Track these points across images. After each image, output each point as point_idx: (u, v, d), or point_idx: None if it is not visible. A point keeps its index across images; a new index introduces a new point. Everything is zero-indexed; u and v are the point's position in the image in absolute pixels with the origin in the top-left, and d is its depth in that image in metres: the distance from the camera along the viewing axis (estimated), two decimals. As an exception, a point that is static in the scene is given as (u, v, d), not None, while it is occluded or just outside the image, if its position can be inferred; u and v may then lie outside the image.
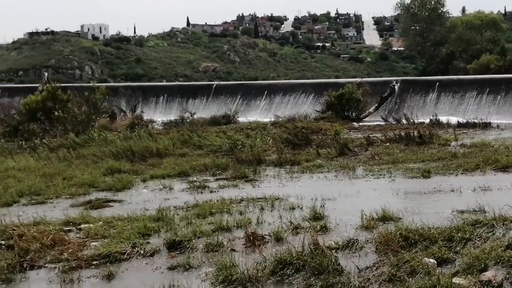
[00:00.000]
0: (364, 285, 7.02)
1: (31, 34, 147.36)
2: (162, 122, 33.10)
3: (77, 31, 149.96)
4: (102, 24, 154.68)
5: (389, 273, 7.20)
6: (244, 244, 8.83)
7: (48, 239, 9.11)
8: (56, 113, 25.63)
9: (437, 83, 34.47)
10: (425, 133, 20.23)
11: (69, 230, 10.02)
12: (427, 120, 28.16)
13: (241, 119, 33.72)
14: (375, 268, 7.52)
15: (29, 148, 21.50)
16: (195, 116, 33.81)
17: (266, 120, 32.11)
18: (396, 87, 34.98)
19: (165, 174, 15.60)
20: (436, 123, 27.08)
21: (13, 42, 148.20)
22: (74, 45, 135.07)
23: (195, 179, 14.90)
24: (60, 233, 9.56)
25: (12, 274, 8.14)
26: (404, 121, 28.59)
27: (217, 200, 11.82)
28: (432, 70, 78.52)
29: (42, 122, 26.33)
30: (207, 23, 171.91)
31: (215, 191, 13.27)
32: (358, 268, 7.51)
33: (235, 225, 9.78)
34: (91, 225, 10.18)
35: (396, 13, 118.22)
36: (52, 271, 8.28)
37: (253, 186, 13.83)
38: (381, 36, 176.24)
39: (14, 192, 13.44)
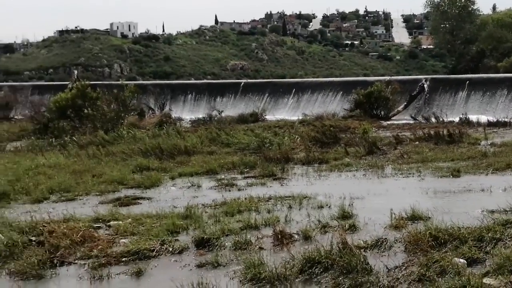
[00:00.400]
0: (393, 285, 6.99)
1: (61, 32, 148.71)
2: (190, 120, 33.15)
3: (107, 29, 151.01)
4: (131, 22, 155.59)
5: (418, 273, 7.17)
6: (272, 242, 8.84)
7: (78, 236, 9.21)
8: (86, 111, 25.81)
9: (467, 82, 34.05)
10: (454, 132, 20.03)
11: (99, 227, 10.10)
12: (457, 119, 27.90)
13: (269, 117, 33.68)
14: (404, 267, 7.48)
15: (59, 145, 21.68)
16: (223, 114, 33.80)
17: (294, 118, 32.02)
18: (425, 85, 34.64)
19: (193, 171, 15.64)
20: (466, 122, 26.81)
21: (44, 40, 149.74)
22: (103, 43, 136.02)
23: (223, 177, 14.92)
24: (90, 229, 9.66)
25: (43, 270, 8.24)
26: (433, 119, 28.35)
27: (245, 198, 11.84)
28: (462, 69, 77.87)
29: (72, 119, 26.56)
30: (235, 21, 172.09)
31: (243, 189, 13.29)
32: (387, 268, 7.48)
33: (263, 223, 9.80)
34: (120, 222, 10.25)
35: (426, 10, 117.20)
36: (82, 268, 8.36)
37: (281, 184, 13.82)
38: (410, 34, 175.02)
39: (45, 189, 13.57)
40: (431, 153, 17.31)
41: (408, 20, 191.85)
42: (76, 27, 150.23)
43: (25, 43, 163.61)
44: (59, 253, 8.72)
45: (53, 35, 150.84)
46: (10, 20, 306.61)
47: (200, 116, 34.38)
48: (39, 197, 13.03)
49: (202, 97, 44.12)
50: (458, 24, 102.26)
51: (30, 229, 9.71)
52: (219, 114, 33.69)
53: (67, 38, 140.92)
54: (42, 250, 8.80)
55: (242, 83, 46.06)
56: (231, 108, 39.57)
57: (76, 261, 8.58)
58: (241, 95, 42.48)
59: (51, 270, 8.32)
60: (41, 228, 9.62)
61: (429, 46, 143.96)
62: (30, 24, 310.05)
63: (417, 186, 12.90)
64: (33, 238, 9.31)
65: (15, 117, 38.98)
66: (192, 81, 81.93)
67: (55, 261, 8.53)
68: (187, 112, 40.41)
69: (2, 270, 8.37)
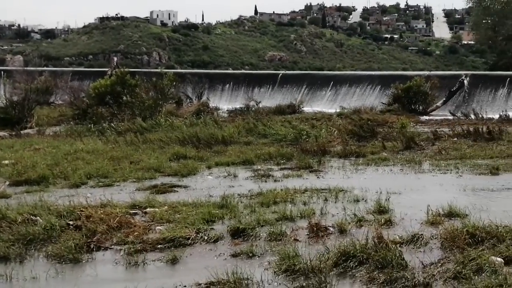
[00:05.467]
0: (428, 281, 6.94)
1: (101, 19, 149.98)
2: (227, 110, 33.20)
3: (146, 17, 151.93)
4: (171, 10, 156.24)
5: (454, 270, 7.10)
6: (308, 234, 8.84)
7: (115, 221, 9.29)
8: (124, 98, 26.02)
9: (508, 79, 33.62)
10: (494, 129, 19.75)
11: (135, 213, 10.18)
12: (497, 116, 27.53)
13: (306, 109, 33.59)
14: (440, 264, 7.42)
15: (97, 131, 21.88)
16: (260, 105, 33.83)
17: (331, 111, 31.92)
18: (465, 81, 34.26)
19: (230, 161, 15.67)
20: (506, 119, 26.41)
21: (84, 27, 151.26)
22: (143, 31, 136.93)
23: (259, 167, 14.89)
24: (126, 216, 9.74)
25: (79, 254, 8.33)
26: (472, 116, 27.99)
27: (281, 190, 11.80)
28: (503, 65, 76.59)
29: (111, 106, 26.78)
30: (275, 12, 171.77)
31: (279, 181, 13.27)
32: (422, 264, 7.43)
33: (299, 215, 9.78)
34: (157, 209, 10.32)
35: (468, 6, 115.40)
36: (118, 253, 8.45)
37: (318, 177, 13.78)
38: (451, 29, 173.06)
39: (83, 174, 13.71)
40: (470, 150, 17.12)
41: (449, 15, 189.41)
42: (116, 14, 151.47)
43: (66, 29, 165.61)
44: (95, 238, 8.83)
45: (94, 22, 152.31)
46: (52, 6, 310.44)
47: (237, 106, 34.44)
48: (77, 182, 13.17)
49: (239, 87, 44.17)
50: (500, 20, 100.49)
51: (68, 213, 9.81)
52: (256, 104, 33.71)
53: (107, 25, 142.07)
54: (79, 234, 8.91)
55: (280, 74, 46.03)
56: (269, 99, 39.57)
57: (112, 247, 8.67)
58: (279, 86, 42.45)
59: (88, 254, 8.42)
60: (78, 212, 9.72)
61: (470, 42, 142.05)
62: (71, 11, 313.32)
63: (455, 182, 12.76)
64: (71, 222, 9.42)
65: (55, 102, 39.39)
66: (230, 71, 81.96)
67: (91, 246, 8.63)
68: (224, 102, 40.52)
69: (40, 253, 8.49)
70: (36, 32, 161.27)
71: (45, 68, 58.58)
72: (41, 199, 10.92)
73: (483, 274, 6.97)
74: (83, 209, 9.82)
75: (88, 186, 13.01)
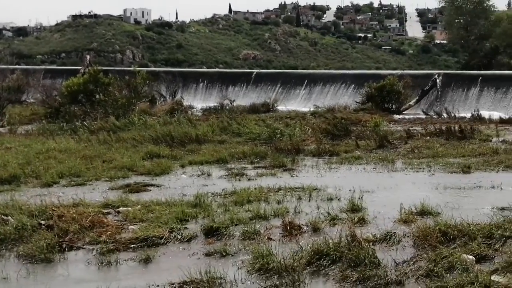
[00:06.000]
0: (401, 279, 6.98)
1: (74, 17, 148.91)
2: (201, 109, 33.07)
3: (120, 15, 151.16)
4: (144, 8, 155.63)
5: (426, 268, 7.16)
6: (281, 233, 8.85)
7: (87, 221, 9.22)
8: (97, 96, 25.85)
9: (480, 78, 33.89)
10: (466, 128, 19.93)
11: (108, 213, 10.11)
12: (469, 115, 27.73)
13: (280, 107, 33.61)
14: (412, 262, 7.48)
15: (70, 130, 21.68)
16: (234, 104, 33.80)
17: (306, 109, 31.95)
18: (438, 80, 34.49)
19: (204, 160, 15.62)
20: (478, 118, 26.63)
21: (57, 25, 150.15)
22: (116, 29, 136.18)
23: (233, 166, 14.90)
24: (99, 215, 9.67)
25: (51, 254, 8.25)
26: (445, 115, 28.20)
27: (255, 188, 11.81)
28: (475, 65, 77.36)
29: (83, 104, 26.58)
30: (249, 11, 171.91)
31: (253, 179, 13.26)
32: (395, 262, 7.48)
33: (273, 213, 9.79)
34: (130, 208, 10.26)
35: (440, 5, 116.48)
36: (90, 253, 8.39)
37: (291, 176, 13.80)
38: (424, 28, 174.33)
39: (55, 173, 13.57)
40: (442, 148, 17.25)
41: (422, 14, 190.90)
42: (89, 12, 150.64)
43: (39, 27, 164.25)
44: (68, 237, 8.76)
45: (67, 20, 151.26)
46: (24, 4, 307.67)
47: (212, 104, 34.32)
48: (49, 181, 13.05)
49: (213, 85, 44.09)
50: (472, 20, 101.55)
51: (40, 213, 9.72)
52: (230, 103, 33.67)
53: (80, 23, 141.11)
54: (51, 234, 8.82)
55: (254, 73, 46.01)
56: (243, 97, 39.56)
57: (84, 246, 8.61)
58: (253, 85, 42.45)
59: (60, 254, 8.34)
60: (50, 212, 9.63)
61: (442, 41, 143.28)
62: (43, 8, 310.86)
63: (427, 181, 12.85)
64: (43, 222, 9.33)
65: (27, 100, 39.03)
66: (204, 69, 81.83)
67: (63, 246, 8.55)
68: (198, 101, 40.40)
69: (11, 253, 8.41)
70: (8, 30, 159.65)
71: (17, 66, 58.15)
72: (12, 198, 10.82)
73: (455, 272, 7.03)
74: (55, 209, 9.73)
75: (60, 185, 12.90)
